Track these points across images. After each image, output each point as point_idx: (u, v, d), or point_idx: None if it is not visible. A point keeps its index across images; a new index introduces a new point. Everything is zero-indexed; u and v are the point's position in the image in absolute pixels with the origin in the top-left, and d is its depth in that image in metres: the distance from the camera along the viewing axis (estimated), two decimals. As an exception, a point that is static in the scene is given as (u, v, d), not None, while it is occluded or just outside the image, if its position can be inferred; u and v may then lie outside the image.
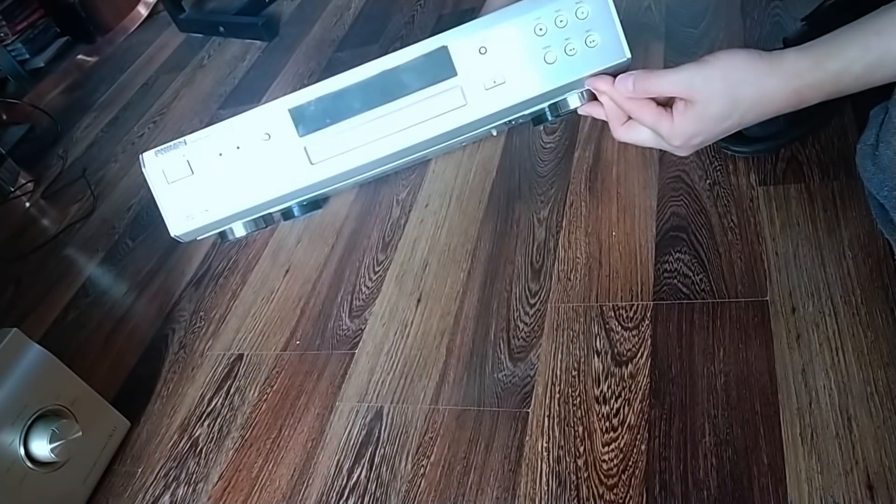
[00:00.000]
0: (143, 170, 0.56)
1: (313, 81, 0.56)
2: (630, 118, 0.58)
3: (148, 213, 1.18)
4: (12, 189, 1.44)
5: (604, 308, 0.73)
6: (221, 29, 1.65)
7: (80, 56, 1.95)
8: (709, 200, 0.78)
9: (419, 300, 0.82)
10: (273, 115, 0.55)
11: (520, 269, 0.80)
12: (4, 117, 1.80)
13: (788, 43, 0.81)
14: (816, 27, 0.78)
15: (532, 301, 0.76)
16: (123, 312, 1.01)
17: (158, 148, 0.56)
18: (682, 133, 0.54)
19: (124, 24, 1.97)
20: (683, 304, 0.70)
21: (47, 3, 2.02)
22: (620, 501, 0.59)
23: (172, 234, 0.58)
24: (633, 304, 0.72)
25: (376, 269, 0.89)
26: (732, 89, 0.51)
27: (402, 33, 1.36)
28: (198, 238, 0.60)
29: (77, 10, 1.98)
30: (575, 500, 0.60)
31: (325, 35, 1.48)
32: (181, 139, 0.56)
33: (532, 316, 0.75)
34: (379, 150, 0.56)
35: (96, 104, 1.65)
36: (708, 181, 0.80)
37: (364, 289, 0.87)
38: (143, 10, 1.97)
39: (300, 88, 0.56)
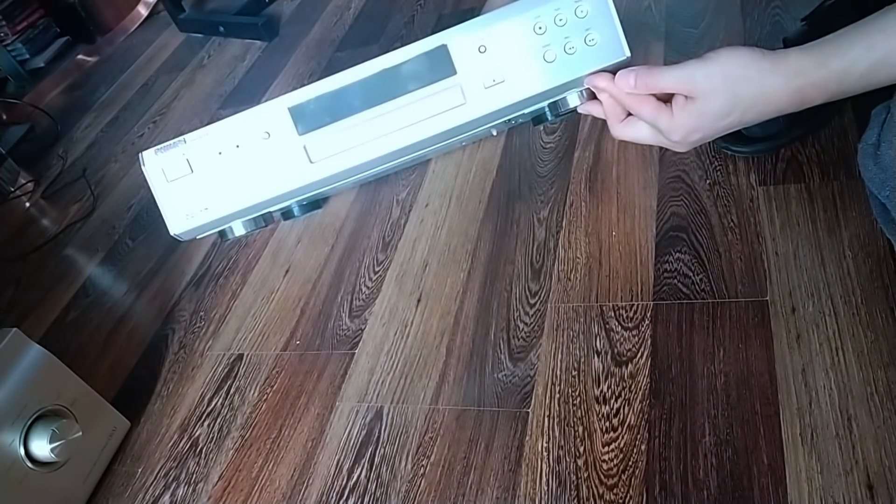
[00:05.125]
0: (143, 168, 0.56)
1: (313, 81, 0.56)
2: (628, 115, 0.58)
3: (148, 213, 1.18)
4: (12, 189, 1.44)
5: (604, 308, 0.73)
6: (221, 29, 1.65)
7: (80, 56, 1.95)
8: (709, 200, 0.78)
9: (419, 300, 0.82)
10: (273, 113, 0.55)
11: (520, 269, 0.80)
12: (4, 117, 1.80)
13: (788, 43, 0.81)
14: (816, 27, 0.78)
15: (532, 301, 0.76)
16: (123, 312, 1.01)
17: (158, 147, 0.56)
18: (681, 127, 0.54)
19: (124, 24, 1.97)
20: (683, 304, 0.70)
21: (47, 3, 2.02)
22: (620, 501, 0.59)
23: (172, 233, 0.58)
24: (633, 304, 0.72)
25: (376, 269, 0.89)
26: (734, 86, 0.51)
27: (402, 33, 1.36)
28: (197, 237, 0.60)
29: (77, 10, 1.98)
30: (575, 500, 0.60)
31: (325, 35, 1.48)
32: (181, 138, 0.56)
33: (532, 316, 0.75)
34: (378, 149, 0.56)
35: (96, 104, 1.65)
36: (708, 181, 0.80)
37: (364, 289, 0.87)
38: (143, 10, 1.97)
39: (300, 88, 0.56)
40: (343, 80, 0.55)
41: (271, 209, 0.61)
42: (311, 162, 0.56)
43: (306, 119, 0.55)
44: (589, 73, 0.54)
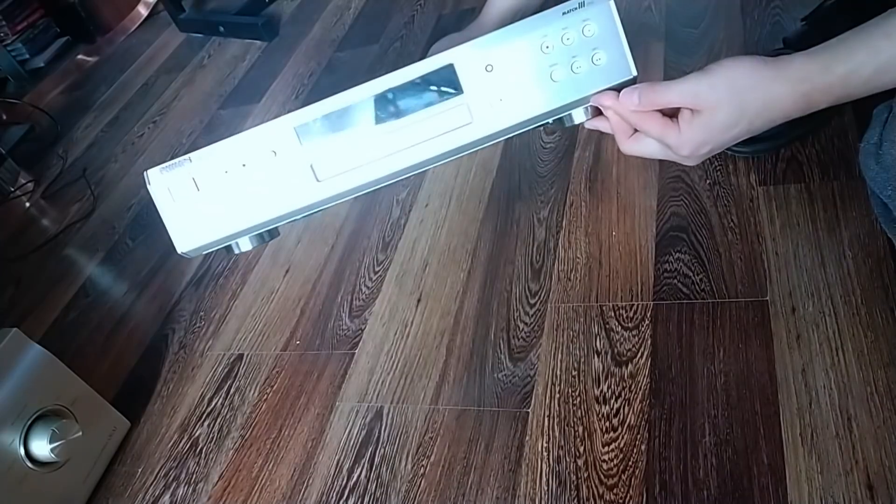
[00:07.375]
0: (148, 188, 0.56)
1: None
2: (636, 131, 0.57)
3: (148, 213, 1.18)
4: (12, 189, 1.44)
5: (604, 308, 0.73)
6: (221, 29, 1.65)
7: (80, 56, 1.95)
8: (709, 200, 0.78)
9: (419, 300, 0.82)
10: (279, 132, 0.55)
11: (520, 269, 0.80)
12: (4, 117, 1.80)
13: (788, 43, 0.81)
14: (816, 27, 0.78)
15: (532, 301, 0.76)
16: (123, 312, 1.01)
17: (163, 165, 0.56)
18: (689, 142, 0.53)
19: (124, 24, 1.97)
20: (683, 304, 0.70)
21: (47, 3, 2.03)
22: (620, 501, 0.59)
23: (179, 252, 0.58)
24: (633, 304, 0.72)
25: (376, 269, 0.89)
26: (739, 96, 0.50)
27: (402, 33, 1.36)
28: (204, 253, 0.60)
29: (77, 10, 1.98)
30: (575, 500, 0.60)
31: (325, 35, 1.48)
32: (186, 157, 0.56)
33: (532, 316, 0.75)
34: (385, 168, 0.56)
35: (96, 104, 1.65)
36: (708, 181, 0.80)
37: (364, 289, 0.87)
38: (143, 10, 1.97)
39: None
40: (350, 99, 0.55)
41: (277, 225, 0.61)
42: (317, 181, 0.56)
43: (313, 138, 0.55)
44: (595, 93, 0.54)
